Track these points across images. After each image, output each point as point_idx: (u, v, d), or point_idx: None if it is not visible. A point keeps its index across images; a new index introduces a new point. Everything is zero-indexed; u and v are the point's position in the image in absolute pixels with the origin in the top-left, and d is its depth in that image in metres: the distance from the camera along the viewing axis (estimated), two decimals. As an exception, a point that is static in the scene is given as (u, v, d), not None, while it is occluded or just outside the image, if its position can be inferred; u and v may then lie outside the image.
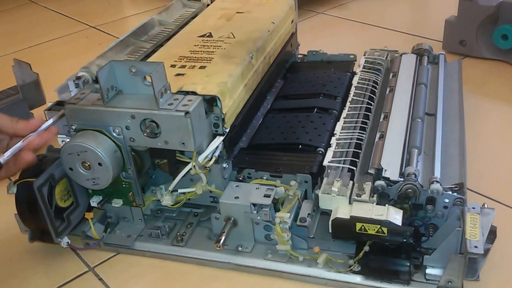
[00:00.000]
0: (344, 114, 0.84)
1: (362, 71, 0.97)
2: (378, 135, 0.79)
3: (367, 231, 0.66)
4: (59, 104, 0.77)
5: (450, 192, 0.67)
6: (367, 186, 0.69)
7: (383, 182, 0.69)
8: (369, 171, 0.72)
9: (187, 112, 0.66)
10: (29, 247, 0.79)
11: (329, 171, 0.73)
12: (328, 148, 0.77)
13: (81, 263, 0.77)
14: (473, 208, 0.65)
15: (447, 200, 0.68)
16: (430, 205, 0.68)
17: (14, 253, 0.80)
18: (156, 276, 0.74)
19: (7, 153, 0.64)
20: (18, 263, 0.78)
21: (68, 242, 0.75)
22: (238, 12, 1.00)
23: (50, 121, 0.70)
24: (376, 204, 0.67)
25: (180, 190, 0.76)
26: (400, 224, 0.65)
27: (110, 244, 0.78)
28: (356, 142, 0.77)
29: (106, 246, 0.78)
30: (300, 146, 0.81)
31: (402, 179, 0.69)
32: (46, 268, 0.77)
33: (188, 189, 0.75)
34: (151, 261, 0.77)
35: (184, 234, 0.77)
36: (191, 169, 0.71)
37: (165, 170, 0.76)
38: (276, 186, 0.73)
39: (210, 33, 0.91)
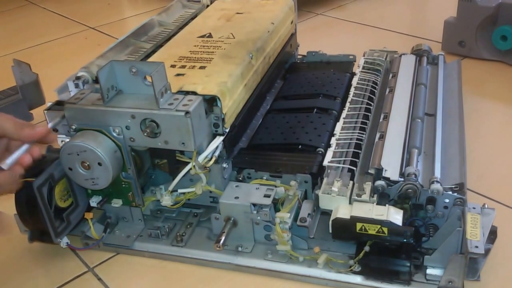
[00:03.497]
0: (343, 115, 0.84)
1: (361, 71, 0.97)
2: (378, 135, 0.79)
3: (367, 231, 0.66)
4: (59, 104, 0.77)
5: (450, 192, 0.67)
6: (367, 186, 0.69)
7: (383, 182, 0.69)
8: (369, 171, 0.71)
9: (187, 112, 0.66)
10: (28, 247, 0.79)
11: (329, 171, 0.73)
12: (328, 148, 0.77)
13: (81, 263, 0.77)
14: (474, 208, 0.65)
15: (447, 200, 0.68)
16: (431, 205, 0.68)
17: (14, 253, 0.80)
18: (156, 276, 0.74)
19: (10, 159, 0.63)
20: (18, 263, 0.78)
21: (67, 242, 0.75)
22: (237, 13, 1.00)
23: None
24: (377, 204, 0.67)
25: (180, 190, 0.75)
26: (400, 224, 0.65)
27: (109, 244, 0.78)
28: (356, 142, 0.77)
29: (106, 246, 0.78)
30: (300, 146, 0.81)
31: (402, 179, 0.69)
32: (46, 268, 0.77)
33: (188, 189, 0.75)
34: (151, 261, 0.76)
35: (184, 234, 0.77)
36: (191, 169, 0.71)
37: (165, 170, 0.76)
38: (276, 186, 0.73)
39: (210, 33, 0.91)
